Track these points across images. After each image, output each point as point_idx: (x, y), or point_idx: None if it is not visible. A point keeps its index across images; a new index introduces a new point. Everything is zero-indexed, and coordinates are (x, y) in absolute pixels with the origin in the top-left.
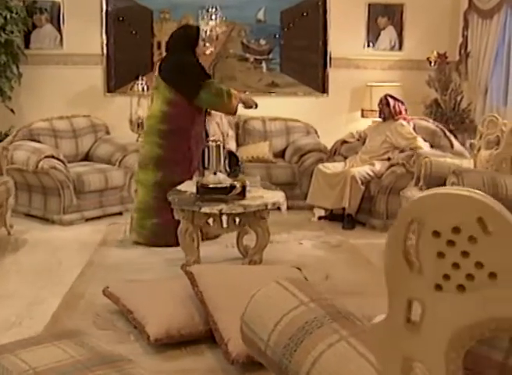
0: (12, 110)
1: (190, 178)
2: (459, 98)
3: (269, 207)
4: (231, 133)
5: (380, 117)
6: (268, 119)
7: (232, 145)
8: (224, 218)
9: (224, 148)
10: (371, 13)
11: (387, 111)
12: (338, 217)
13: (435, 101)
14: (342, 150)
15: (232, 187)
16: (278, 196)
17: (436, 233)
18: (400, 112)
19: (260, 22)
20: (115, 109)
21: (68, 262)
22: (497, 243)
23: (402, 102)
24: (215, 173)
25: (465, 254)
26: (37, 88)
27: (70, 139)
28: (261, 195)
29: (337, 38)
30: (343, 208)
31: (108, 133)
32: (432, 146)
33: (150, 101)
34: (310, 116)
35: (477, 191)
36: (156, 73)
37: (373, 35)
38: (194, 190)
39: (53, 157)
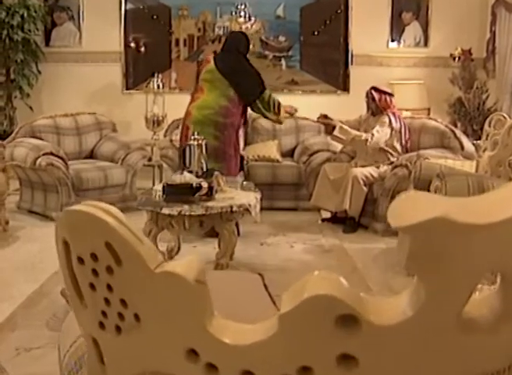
0: (30, 107)
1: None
2: (484, 97)
3: (234, 209)
4: (240, 132)
5: (368, 112)
6: None
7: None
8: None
9: (207, 146)
10: (395, 8)
11: (374, 106)
12: (342, 220)
13: (459, 100)
14: (348, 150)
15: (198, 187)
16: (250, 198)
17: (81, 260)
18: (388, 106)
19: (279, 18)
20: (134, 106)
21: (49, 261)
22: (129, 276)
23: (389, 94)
24: (181, 173)
25: (110, 288)
26: (56, 86)
27: (73, 136)
28: (231, 197)
29: (359, 35)
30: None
31: (114, 130)
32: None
33: (196, 91)
34: (330, 114)
35: (108, 208)
36: (211, 66)
37: (397, 31)
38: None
39: (52, 154)
